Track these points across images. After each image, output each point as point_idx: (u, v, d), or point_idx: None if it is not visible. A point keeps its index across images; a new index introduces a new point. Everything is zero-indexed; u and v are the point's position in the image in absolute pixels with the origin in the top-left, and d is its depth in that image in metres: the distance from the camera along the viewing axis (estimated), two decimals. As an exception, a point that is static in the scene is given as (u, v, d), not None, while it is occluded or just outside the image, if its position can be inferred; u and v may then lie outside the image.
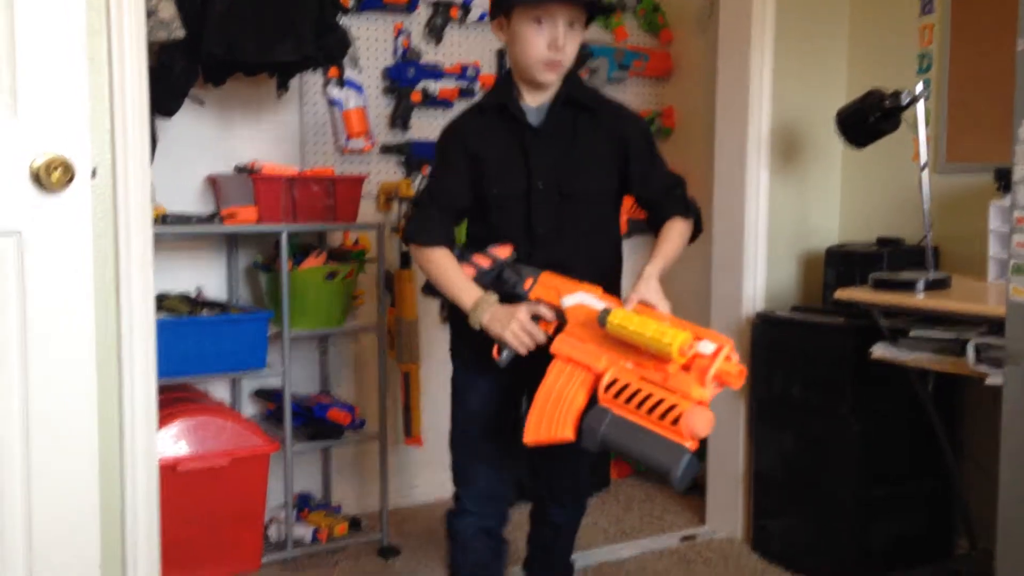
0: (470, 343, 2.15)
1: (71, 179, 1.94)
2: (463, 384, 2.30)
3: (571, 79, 2.17)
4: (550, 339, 1.96)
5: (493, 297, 2.06)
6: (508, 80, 2.18)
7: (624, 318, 1.77)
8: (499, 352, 2.03)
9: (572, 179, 2.13)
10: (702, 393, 1.69)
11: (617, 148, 2.16)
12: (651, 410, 1.70)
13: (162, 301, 2.82)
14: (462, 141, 2.16)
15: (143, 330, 2.15)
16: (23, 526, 2.00)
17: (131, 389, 2.14)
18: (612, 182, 2.19)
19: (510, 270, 2.08)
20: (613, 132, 2.17)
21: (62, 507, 2.04)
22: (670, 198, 2.18)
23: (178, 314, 2.84)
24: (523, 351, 2.00)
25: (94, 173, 2.03)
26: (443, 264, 2.11)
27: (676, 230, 2.15)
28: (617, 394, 1.76)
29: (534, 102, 2.15)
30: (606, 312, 1.80)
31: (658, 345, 1.71)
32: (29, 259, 1.95)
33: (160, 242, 2.48)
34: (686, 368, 1.72)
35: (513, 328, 1.99)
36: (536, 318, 2.02)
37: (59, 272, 1.99)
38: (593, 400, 1.83)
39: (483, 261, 2.11)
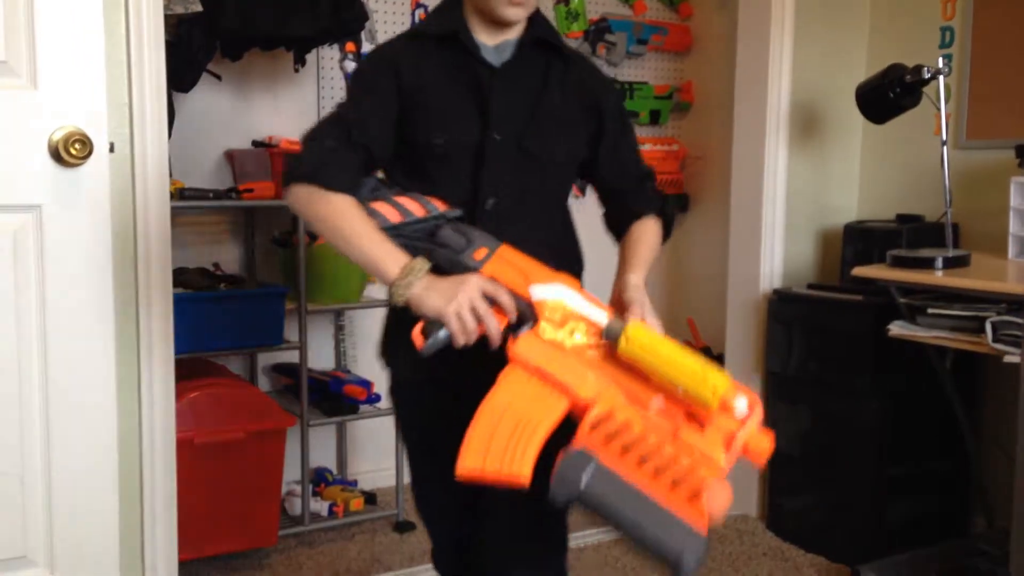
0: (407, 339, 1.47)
1: (89, 153, 1.95)
2: (410, 409, 1.77)
3: (539, 19, 1.69)
4: (504, 336, 1.43)
5: (426, 265, 1.47)
6: (456, 7, 1.66)
7: (650, 338, 1.33)
8: (424, 334, 1.43)
9: (538, 135, 1.63)
10: (723, 461, 1.27)
11: (591, 113, 1.70)
12: (660, 471, 1.25)
13: (180, 276, 2.83)
14: (394, 69, 1.60)
15: (161, 304, 2.16)
16: (43, 499, 2.02)
17: (149, 363, 2.16)
18: (581, 150, 1.70)
19: (452, 229, 1.51)
20: (588, 92, 1.70)
21: (81, 480, 2.06)
22: (643, 191, 1.75)
23: (196, 289, 2.84)
24: (462, 340, 1.42)
25: (112, 147, 2.04)
26: (350, 215, 1.49)
27: (652, 232, 1.71)
28: (610, 437, 1.28)
29: (490, 40, 1.64)
30: (619, 324, 1.36)
31: (697, 386, 1.27)
32: (48, 233, 1.96)
33: (178, 217, 2.49)
34: (696, 420, 1.30)
35: (460, 303, 1.41)
36: (488, 301, 1.45)
37: (78, 246, 2.00)
38: (560, 435, 1.31)
39: (412, 206, 1.53)
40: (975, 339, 2.36)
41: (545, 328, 1.40)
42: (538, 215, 1.66)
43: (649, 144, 3.92)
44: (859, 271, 2.69)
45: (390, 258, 1.46)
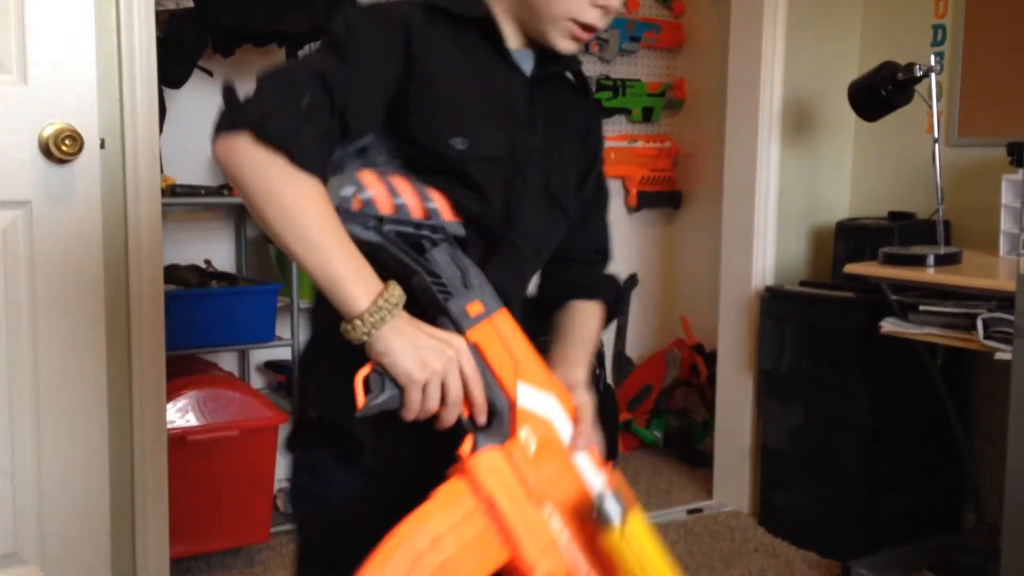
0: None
1: (80, 149, 1.94)
2: (336, 497, 1.25)
3: None
4: (456, 433, 1.08)
5: (403, 297, 1.07)
6: None
7: (647, 542, 1.08)
8: (366, 388, 1.05)
9: (557, 168, 1.31)
10: None
11: (586, 159, 1.39)
12: None
13: (171, 273, 2.82)
14: (404, 34, 1.19)
15: (152, 301, 2.16)
16: (34, 497, 2.02)
17: (140, 360, 2.15)
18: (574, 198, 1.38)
19: (448, 253, 1.12)
20: (589, 135, 1.41)
21: (72, 477, 2.06)
22: (600, 269, 1.46)
23: (187, 286, 2.84)
24: (411, 417, 1.07)
25: (103, 144, 2.03)
26: (318, 210, 1.06)
27: (598, 320, 1.40)
28: None
29: (513, 42, 1.29)
30: (617, 506, 1.06)
31: None
32: (38, 230, 1.96)
33: (169, 214, 2.49)
34: None
35: (434, 373, 1.06)
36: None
37: (68, 243, 1.99)
38: None
39: (410, 198, 1.11)
40: (966, 336, 2.36)
41: (517, 449, 1.08)
42: (530, 274, 1.34)
43: (641, 141, 3.92)
44: (851, 268, 2.70)
45: (360, 281, 1.06)
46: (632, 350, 4.03)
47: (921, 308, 2.50)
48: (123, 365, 2.14)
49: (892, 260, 2.64)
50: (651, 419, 3.87)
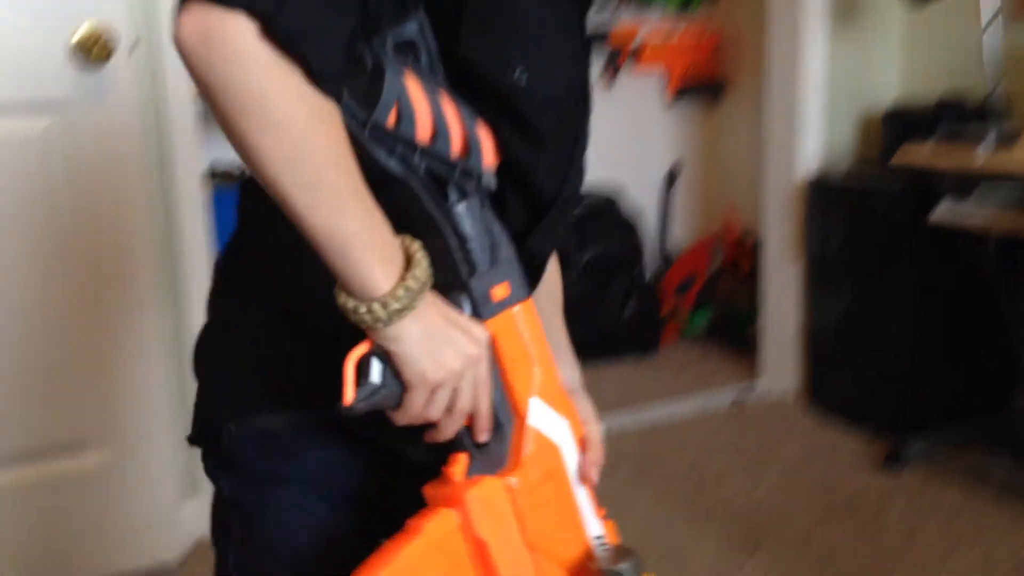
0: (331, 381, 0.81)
1: (111, 52, 1.93)
2: (291, 513, 0.96)
3: None
4: (442, 450, 0.87)
5: (429, 273, 0.81)
6: None
7: None
8: (357, 381, 0.79)
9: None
10: None
11: None
12: None
13: (211, 175, 2.82)
14: None
15: (192, 201, 2.17)
16: (97, 384, 2.06)
17: (188, 259, 2.18)
18: None
19: (479, 209, 0.85)
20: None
21: (133, 369, 2.10)
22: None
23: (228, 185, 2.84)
24: (408, 420, 0.83)
25: (134, 46, 2.01)
26: (333, 139, 0.76)
27: (559, 275, 1.14)
28: None
29: None
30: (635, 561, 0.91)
31: None
32: (76, 132, 1.96)
33: (206, 117, 2.47)
34: None
35: (449, 377, 0.82)
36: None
37: (106, 144, 1.99)
38: None
39: (454, 127, 0.83)
40: (1020, 217, 2.30)
41: (521, 480, 0.87)
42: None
43: (680, 31, 3.82)
44: (902, 153, 2.63)
45: (380, 252, 0.78)
46: (676, 239, 4.00)
47: (977, 191, 2.43)
48: (170, 260, 2.16)
49: (946, 140, 2.57)
50: (696, 308, 3.87)
